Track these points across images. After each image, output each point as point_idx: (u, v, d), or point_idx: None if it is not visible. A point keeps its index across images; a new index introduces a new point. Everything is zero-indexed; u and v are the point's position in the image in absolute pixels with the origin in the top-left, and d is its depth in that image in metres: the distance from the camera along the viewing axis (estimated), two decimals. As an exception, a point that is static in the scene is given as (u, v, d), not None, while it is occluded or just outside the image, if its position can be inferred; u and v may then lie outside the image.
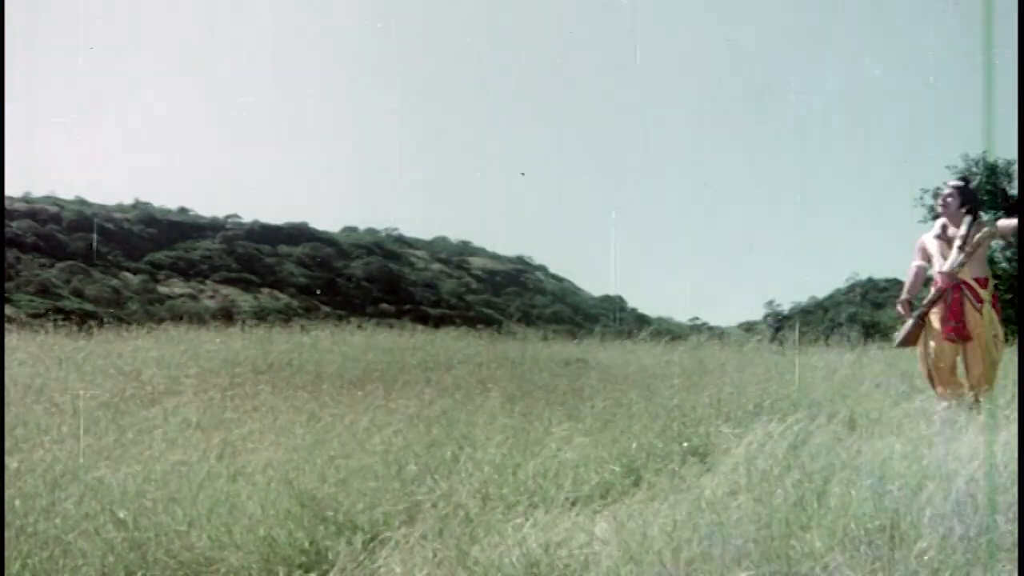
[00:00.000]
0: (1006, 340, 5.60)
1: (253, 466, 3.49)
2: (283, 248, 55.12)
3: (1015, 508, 2.68)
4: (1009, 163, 19.76)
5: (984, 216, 5.58)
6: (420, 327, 11.35)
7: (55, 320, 11.46)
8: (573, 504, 3.28)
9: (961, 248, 5.39)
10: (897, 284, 5.78)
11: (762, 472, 3.25)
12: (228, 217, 59.38)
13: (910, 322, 5.53)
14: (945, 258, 5.46)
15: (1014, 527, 2.59)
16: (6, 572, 2.62)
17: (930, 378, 5.42)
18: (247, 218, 58.83)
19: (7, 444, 3.75)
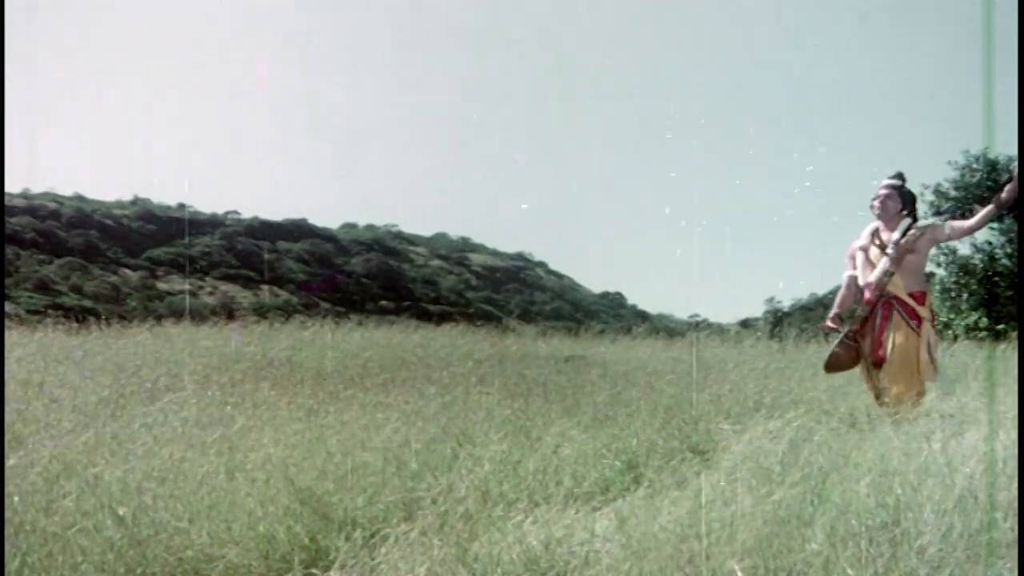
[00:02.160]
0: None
1: (252, 462, 3.49)
2: (282, 244, 55.11)
3: (1015, 505, 2.68)
4: (1011, 159, 19.75)
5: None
6: (420, 323, 11.35)
7: (54, 316, 11.44)
8: (573, 501, 3.28)
9: (889, 255, 4.80)
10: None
11: (762, 469, 3.24)
12: (227, 213, 59.31)
13: (835, 343, 4.98)
14: (875, 268, 4.83)
15: (1014, 524, 2.59)
16: (5, 569, 2.61)
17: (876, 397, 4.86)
18: (246, 214, 58.77)
19: (6, 440, 3.75)
